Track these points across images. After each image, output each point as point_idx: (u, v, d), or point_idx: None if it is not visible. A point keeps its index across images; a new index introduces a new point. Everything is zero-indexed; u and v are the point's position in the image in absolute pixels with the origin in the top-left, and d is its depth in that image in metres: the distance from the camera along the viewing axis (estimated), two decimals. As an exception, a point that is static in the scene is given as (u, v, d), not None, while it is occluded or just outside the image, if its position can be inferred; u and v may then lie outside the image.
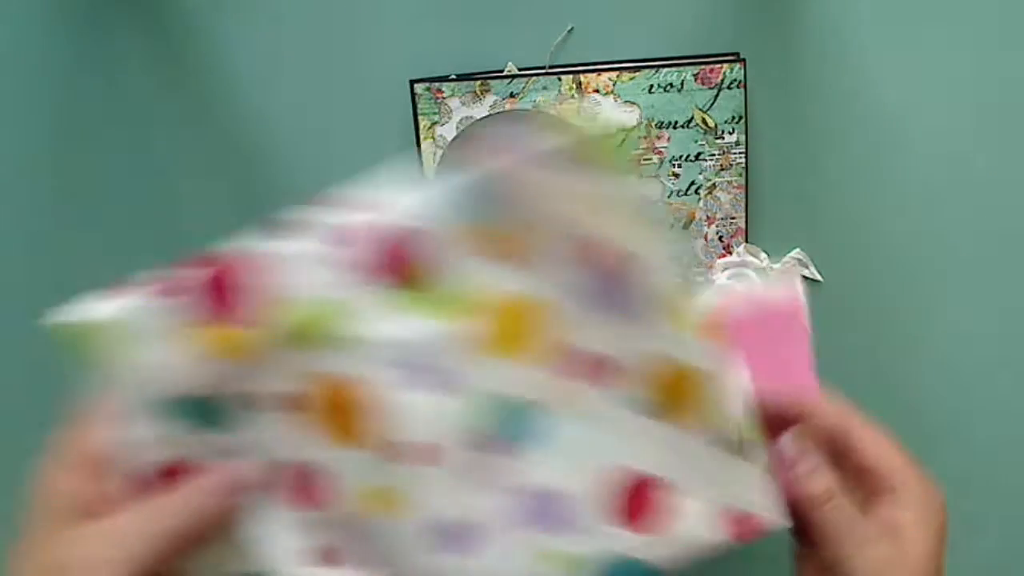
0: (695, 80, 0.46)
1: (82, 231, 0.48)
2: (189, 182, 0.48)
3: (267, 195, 0.48)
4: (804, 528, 0.34)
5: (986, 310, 0.50)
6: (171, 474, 0.30)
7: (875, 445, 0.34)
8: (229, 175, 0.48)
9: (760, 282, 0.48)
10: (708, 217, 0.47)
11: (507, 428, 0.31)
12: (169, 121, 0.47)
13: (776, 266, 0.48)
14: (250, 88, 0.47)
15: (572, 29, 0.46)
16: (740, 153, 0.47)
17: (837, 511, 0.34)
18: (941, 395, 0.51)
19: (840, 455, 0.35)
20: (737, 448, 0.33)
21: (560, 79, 0.46)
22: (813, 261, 0.49)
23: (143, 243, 0.48)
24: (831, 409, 0.36)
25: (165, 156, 0.48)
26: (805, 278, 0.49)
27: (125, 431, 0.30)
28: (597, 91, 0.46)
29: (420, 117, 0.46)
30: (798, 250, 0.49)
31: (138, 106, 0.47)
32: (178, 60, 0.47)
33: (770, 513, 0.33)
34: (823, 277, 0.49)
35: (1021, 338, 0.50)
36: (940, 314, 0.50)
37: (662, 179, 0.47)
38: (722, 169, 0.47)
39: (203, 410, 0.30)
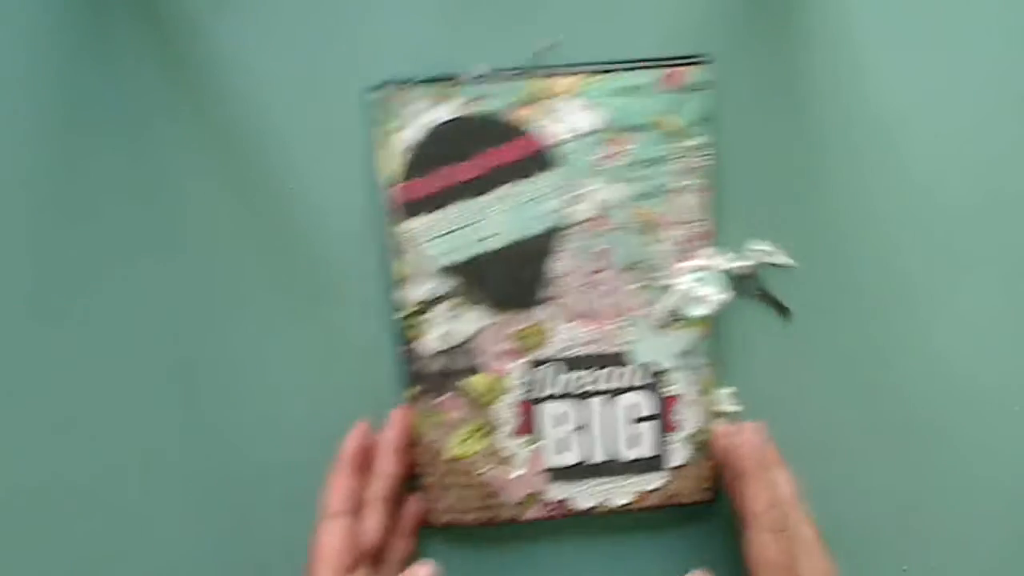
0: (662, 83, 0.45)
1: (82, 231, 0.47)
2: (189, 181, 0.47)
3: (265, 194, 0.48)
4: None
5: (966, 311, 0.50)
6: None
7: (754, 487, 0.44)
8: (229, 174, 0.47)
9: (725, 286, 0.47)
10: (673, 221, 0.47)
11: None
12: (169, 120, 0.47)
13: (744, 263, 0.48)
14: (238, 87, 0.47)
15: (561, 40, 0.46)
16: (706, 156, 0.46)
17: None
18: (926, 395, 0.51)
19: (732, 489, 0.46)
20: None
21: (524, 82, 0.45)
22: (776, 270, 0.49)
23: (143, 243, 0.47)
24: (744, 450, 0.46)
25: (165, 155, 0.47)
26: (776, 265, 0.49)
27: None
28: (562, 94, 0.45)
29: (379, 121, 0.45)
30: (760, 242, 0.48)
31: (138, 106, 0.47)
32: (179, 59, 0.46)
33: None
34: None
35: (1001, 333, 0.51)
36: (916, 316, 0.50)
37: (626, 183, 0.46)
38: (688, 172, 0.46)
39: None
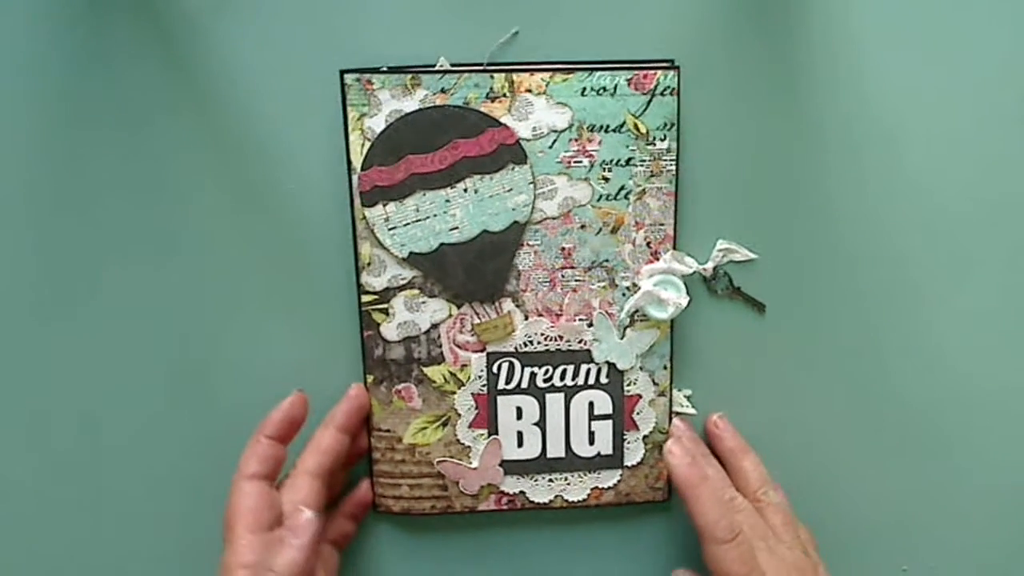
0: (628, 85, 0.46)
1: (81, 231, 0.48)
2: (189, 182, 0.48)
3: (259, 188, 0.48)
4: None
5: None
6: None
7: (697, 504, 0.45)
8: (229, 174, 0.48)
9: (685, 290, 0.48)
10: (637, 223, 0.48)
11: None
12: (169, 120, 0.47)
13: (708, 264, 0.49)
14: (238, 86, 0.47)
15: (517, 32, 0.46)
16: (671, 160, 0.47)
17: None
18: (926, 395, 0.52)
19: None
20: None
21: (492, 77, 0.45)
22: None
23: (142, 240, 0.48)
24: (677, 469, 0.46)
25: (165, 155, 0.48)
26: (739, 262, 0.49)
27: None
28: (530, 91, 0.46)
29: (349, 108, 0.45)
30: (722, 241, 0.49)
31: (138, 105, 0.47)
32: (178, 59, 0.47)
33: None
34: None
35: (998, 330, 0.51)
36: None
37: (592, 182, 0.47)
38: (652, 175, 0.47)
39: None
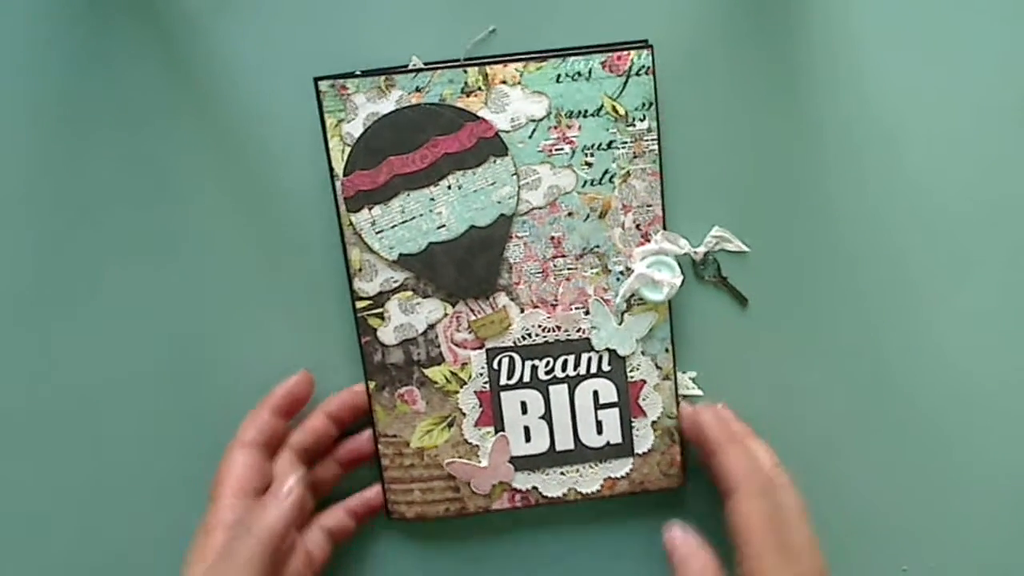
0: (603, 68, 0.46)
1: (81, 231, 0.48)
2: (189, 181, 0.48)
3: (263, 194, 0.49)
4: None
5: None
6: None
7: (731, 456, 0.45)
8: (229, 176, 0.48)
9: (680, 270, 0.48)
10: (624, 206, 0.47)
11: None
12: (169, 121, 0.48)
13: (699, 248, 0.48)
14: (237, 86, 0.48)
15: (494, 30, 0.46)
16: (652, 140, 0.47)
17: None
18: (926, 395, 0.51)
19: (710, 465, 0.46)
20: None
21: (466, 71, 0.46)
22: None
23: (143, 244, 0.49)
24: (711, 424, 0.47)
25: (165, 156, 0.48)
26: (730, 252, 0.49)
27: None
28: (504, 82, 0.46)
29: (326, 114, 0.46)
30: (717, 228, 0.48)
31: (137, 106, 0.47)
32: (179, 59, 0.47)
33: None
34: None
35: (997, 328, 0.51)
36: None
37: (575, 169, 0.47)
38: (635, 156, 0.47)
39: None
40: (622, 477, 0.50)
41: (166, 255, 0.48)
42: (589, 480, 0.50)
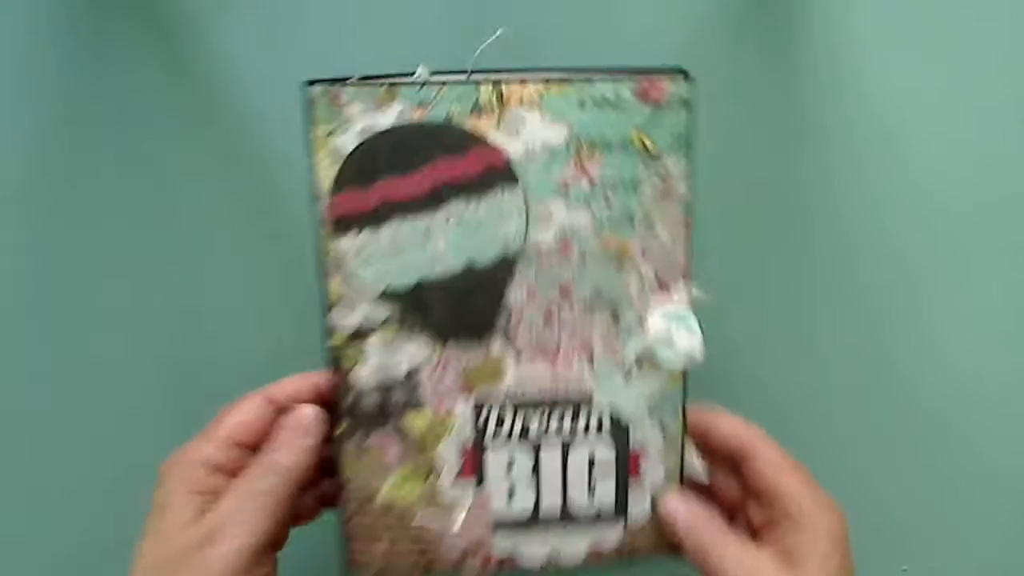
0: (634, 95, 0.40)
1: (80, 231, 0.49)
2: (188, 181, 0.48)
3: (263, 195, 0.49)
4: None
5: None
6: None
7: (774, 468, 0.39)
8: (229, 174, 0.49)
9: (699, 332, 0.42)
10: (644, 251, 0.42)
11: None
12: (168, 121, 0.48)
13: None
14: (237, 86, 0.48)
15: (500, 33, 0.41)
16: (683, 181, 0.41)
17: (722, 545, 0.38)
18: (925, 394, 0.52)
19: (740, 475, 0.41)
20: None
21: (479, 88, 0.40)
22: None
23: (142, 245, 0.49)
24: (731, 427, 0.42)
25: (164, 155, 0.48)
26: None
27: None
28: (521, 103, 0.40)
29: (316, 124, 0.40)
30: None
31: (137, 106, 0.48)
32: (178, 60, 0.47)
33: None
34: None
35: (1002, 331, 0.51)
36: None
37: (593, 207, 0.41)
38: (662, 198, 0.41)
39: None
40: (611, 546, 0.45)
41: (165, 255, 0.49)
42: (574, 548, 0.45)
